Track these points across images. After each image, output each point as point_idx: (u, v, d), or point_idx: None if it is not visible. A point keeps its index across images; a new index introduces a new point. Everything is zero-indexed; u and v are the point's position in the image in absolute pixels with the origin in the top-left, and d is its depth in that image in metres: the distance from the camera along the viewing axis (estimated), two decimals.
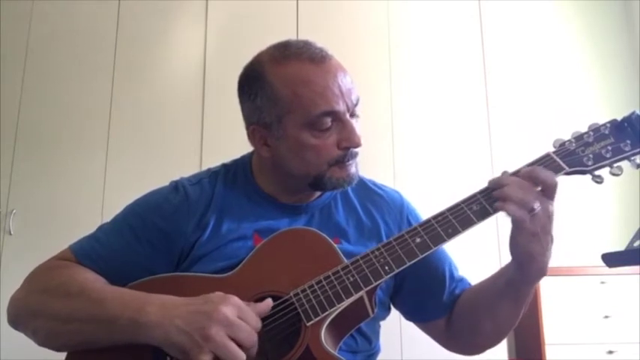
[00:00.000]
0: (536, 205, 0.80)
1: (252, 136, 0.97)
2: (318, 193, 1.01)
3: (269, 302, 0.81)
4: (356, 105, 0.93)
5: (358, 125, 0.93)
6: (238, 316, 0.76)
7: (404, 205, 1.07)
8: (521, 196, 0.81)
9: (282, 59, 0.91)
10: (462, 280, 1.04)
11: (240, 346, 0.75)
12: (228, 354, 0.73)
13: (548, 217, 0.82)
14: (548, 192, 0.83)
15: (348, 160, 0.93)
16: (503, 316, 0.94)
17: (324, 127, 0.89)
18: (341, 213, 1.01)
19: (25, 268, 0.96)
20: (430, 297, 1.01)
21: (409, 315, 1.06)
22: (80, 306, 0.84)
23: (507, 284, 0.90)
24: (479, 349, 1.02)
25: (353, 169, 0.94)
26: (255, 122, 0.94)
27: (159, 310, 0.79)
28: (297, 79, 0.89)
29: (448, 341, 1.03)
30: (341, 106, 0.89)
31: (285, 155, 0.93)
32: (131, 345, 0.81)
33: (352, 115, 0.92)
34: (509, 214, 0.81)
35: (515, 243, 0.84)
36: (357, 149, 0.93)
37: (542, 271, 0.85)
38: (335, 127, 0.90)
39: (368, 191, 1.06)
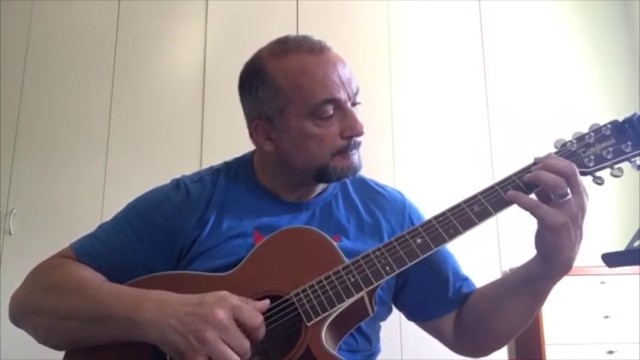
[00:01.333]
0: (568, 191, 0.79)
1: (254, 132, 0.97)
2: (319, 191, 1.01)
3: (266, 302, 0.81)
4: (356, 94, 0.93)
5: (359, 114, 0.93)
6: (234, 317, 0.76)
7: (406, 203, 1.07)
8: (552, 183, 0.79)
9: (281, 53, 0.92)
10: (466, 279, 1.03)
11: (235, 350, 0.75)
12: (223, 358, 0.74)
13: (581, 209, 0.80)
14: (569, 183, 0.80)
15: (351, 150, 0.93)
16: (517, 314, 0.92)
17: (325, 116, 0.90)
18: (342, 211, 1.01)
19: (25, 268, 0.96)
20: (434, 294, 1.01)
21: (413, 314, 1.05)
22: (78, 303, 0.84)
23: (528, 279, 0.88)
24: (487, 350, 1.00)
25: (356, 159, 0.94)
26: (258, 117, 0.95)
27: (154, 307, 0.79)
28: (297, 70, 0.90)
29: (456, 342, 1.01)
30: (342, 94, 0.90)
31: (289, 148, 0.93)
32: (130, 343, 0.81)
33: (353, 104, 0.93)
34: (542, 182, 0.80)
35: (543, 235, 0.82)
36: (359, 138, 0.93)
37: (567, 267, 0.83)
38: (337, 116, 0.91)
39: (369, 190, 1.06)
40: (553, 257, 0.82)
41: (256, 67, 0.94)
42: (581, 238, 0.82)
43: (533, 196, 0.83)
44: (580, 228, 0.81)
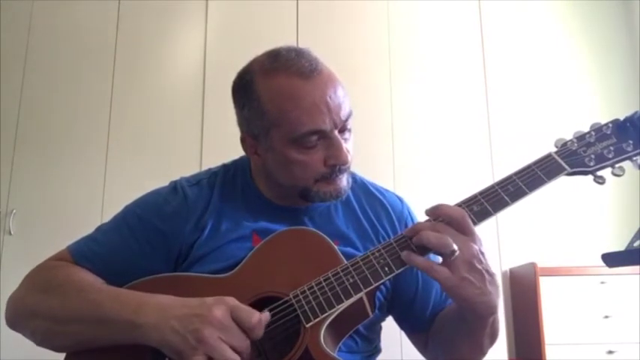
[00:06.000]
0: (455, 247, 0.77)
1: (243, 144, 0.98)
2: None
3: (267, 315, 0.80)
4: (346, 120, 0.91)
5: (350, 140, 0.92)
6: (233, 318, 0.76)
7: (404, 211, 1.06)
8: (435, 242, 0.78)
9: (271, 70, 0.90)
10: (447, 298, 1.01)
11: (233, 348, 0.75)
12: (221, 357, 0.74)
13: (474, 255, 0.78)
14: (460, 227, 0.79)
15: (337, 175, 0.92)
16: (463, 348, 0.91)
17: (309, 145, 0.89)
18: (341, 216, 1.01)
19: (25, 268, 0.96)
20: (415, 311, 1.01)
21: (398, 323, 1.06)
22: (77, 307, 0.84)
23: (460, 320, 0.87)
24: None
25: (343, 183, 0.93)
26: (245, 131, 0.96)
27: (155, 311, 0.79)
28: (284, 94, 0.88)
29: (425, 354, 1.04)
30: (327, 125, 0.88)
31: (273, 166, 0.94)
32: (130, 345, 0.81)
33: (342, 130, 0.91)
34: (426, 243, 0.79)
35: (445, 290, 0.80)
36: (345, 165, 0.92)
37: (489, 309, 0.81)
38: (322, 144, 0.89)
39: (368, 195, 1.05)
40: (466, 306, 0.81)
41: (245, 81, 0.93)
42: (491, 276, 0.79)
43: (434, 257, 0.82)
44: (481, 272, 0.78)
